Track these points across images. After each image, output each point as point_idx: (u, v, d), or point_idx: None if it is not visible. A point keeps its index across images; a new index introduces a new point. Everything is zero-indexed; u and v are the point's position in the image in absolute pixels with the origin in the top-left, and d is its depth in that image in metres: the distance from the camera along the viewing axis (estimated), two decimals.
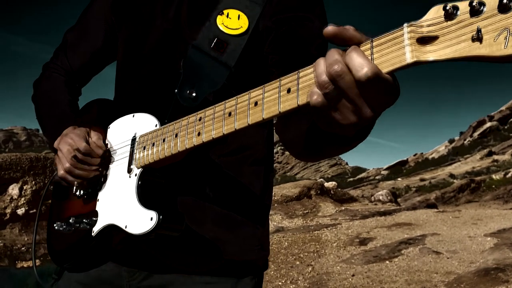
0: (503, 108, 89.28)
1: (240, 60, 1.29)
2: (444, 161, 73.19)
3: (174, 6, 1.39)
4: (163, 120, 1.23)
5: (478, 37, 0.64)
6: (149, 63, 1.40)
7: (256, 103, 0.93)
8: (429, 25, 0.69)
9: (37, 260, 1.59)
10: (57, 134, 1.39)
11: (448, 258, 7.10)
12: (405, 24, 0.72)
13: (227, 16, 1.32)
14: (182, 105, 1.23)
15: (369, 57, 0.75)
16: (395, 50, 0.72)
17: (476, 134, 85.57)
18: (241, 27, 1.31)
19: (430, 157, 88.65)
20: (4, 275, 4.90)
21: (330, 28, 0.78)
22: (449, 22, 0.67)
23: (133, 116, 1.32)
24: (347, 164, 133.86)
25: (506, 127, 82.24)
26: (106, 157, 1.35)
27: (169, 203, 1.29)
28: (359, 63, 0.74)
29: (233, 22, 1.31)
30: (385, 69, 0.73)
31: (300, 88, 0.84)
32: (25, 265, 6.09)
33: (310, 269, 7.12)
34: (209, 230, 1.33)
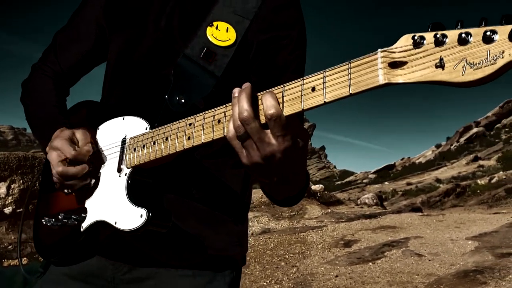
0: (489, 114, 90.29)
1: (227, 70, 1.37)
2: (431, 166, 73.81)
3: (165, 16, 1.46)
4: (153, 123, 1.29)
5: (440, 65, 0.75)
6: (140, 69, 1.47)
7: None
8: (399, 52, 0.80)
9: (24, 258, 1.65)
10: (45, 136, 1.44)
11: (429, 260, 7.25)
12: (379, 50, 0.82)
13: (217, 28, 1.39)
14: (171, 110, 1.31)
15: (347, 77, 0.86)
16: (370, 72, 0.83)
17: (462, 140, 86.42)
18: (229, 39, 1.38)
19: (417, 161, 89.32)
20: None
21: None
22: (417, 50, 0.78)
23: (123, 119, 1.38)
24: (335, 167, 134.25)
25: (492, 133, 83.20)
26: (96, 158, 1.40)
27: (157, 201, 1.36)
28: (270, 103, 0.94)
29: (222, 34, 1.39)
30: (360, 88, 0.84)
31: (285, 100, 0.97)
32: (12, 264, 6.11)
33: (294, 270, 7.23)
34: (192, 226, 1.40)
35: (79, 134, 1.38)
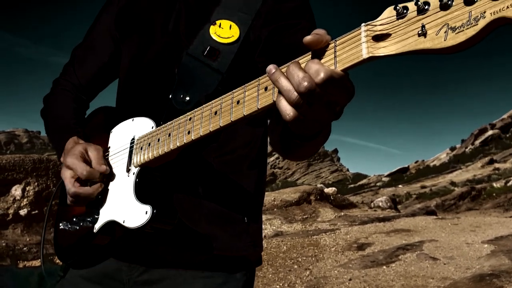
0: (504, 116, 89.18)
1: (232, 66, 1.38)
2: (445, 169, 73.09)
3: (172, 20, 1.49)
4: (159, 122, 1.32)
5: (423, 32, 0.73)
6: (149, 72, 1.50)
7: (238, 102, 1.03)
8: (383, 24, 0.78)
9: (38, 260, 1.69)
10: (59, 145, 1.48)
11: (444, 264, 7.16)
12: (363, 24, 0.81)
13: (220, 26, 1.41)
14: (176, 108, 1.32)
15: (333, 55, 0.84)
16: (354, 47, 0.82)
17: (477, 142, 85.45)
18: (233, 36, 1.40)
19: (432, 164, 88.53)
20: (7, 274, 4.99)
21: (309, 38, 0.86)
22: (400, 21, 0.76)
23: (133, 120, 1.42)
24: (348, 170, 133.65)
25: (507, 135, 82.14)
26: (108, 167, 1.41)
27: (164, 199, 1.36)
28: (316, 69, 0.84)
29: (225, 31, 1.41)
30: (346, 64, 0.82)
31: None
32: (27, 265, 6.17)
33: (307, 273, 7.19)
34: (203, 227, 1.41)
35: (91, 152, 1.39)
